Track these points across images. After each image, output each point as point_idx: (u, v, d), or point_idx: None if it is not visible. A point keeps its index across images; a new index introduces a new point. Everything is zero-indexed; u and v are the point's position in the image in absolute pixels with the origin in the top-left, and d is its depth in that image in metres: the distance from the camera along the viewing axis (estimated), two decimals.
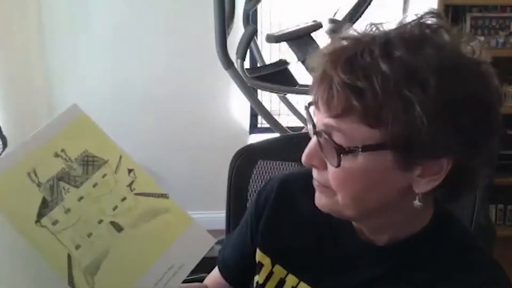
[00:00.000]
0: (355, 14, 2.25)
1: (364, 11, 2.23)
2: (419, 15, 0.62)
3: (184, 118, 2.87)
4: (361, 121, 0.59)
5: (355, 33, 0.63)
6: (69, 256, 0.66)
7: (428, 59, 0.58)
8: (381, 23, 0.63)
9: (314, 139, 0.65)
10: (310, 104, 0.66)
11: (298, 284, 0.77)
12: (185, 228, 0.75)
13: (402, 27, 0.62)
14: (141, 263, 0.71)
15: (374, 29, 0.63)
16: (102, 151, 0.72)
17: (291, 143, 1.18)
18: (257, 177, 1.13)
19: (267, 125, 2.41)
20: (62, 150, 0.69)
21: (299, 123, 2.69)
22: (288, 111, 2.76)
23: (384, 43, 0.59)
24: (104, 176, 0.71)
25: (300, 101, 2.94)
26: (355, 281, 0.72)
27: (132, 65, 2.78)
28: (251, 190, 1.13)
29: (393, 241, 0.70)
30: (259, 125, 3.04)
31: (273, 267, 0.80)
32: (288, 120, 2.96)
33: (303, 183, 0.72)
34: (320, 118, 0.64)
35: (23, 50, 2.59)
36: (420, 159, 0.61)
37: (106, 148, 0.72)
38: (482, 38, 2.47)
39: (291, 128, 2.47)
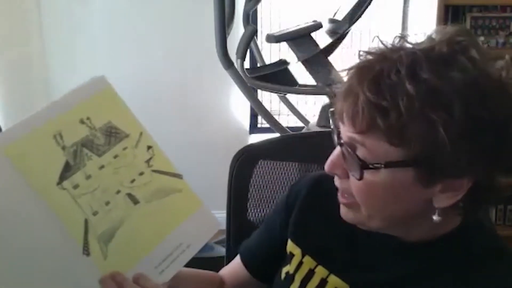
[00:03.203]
0: (355, 14, 2.25)
1: (364, 11, 2.23)
2: (448, 32, 0.63)
3: (184, 118, 2.87)
4: (385, 139, 0.60)
5: (382, 47, 0.64)
6: (86, 221, 0.67)
7: (454, 82, 0.59)
8: (407, 35, 0.64)
9: (338, 149, 0.67)
10: (334, 112, 0.67)
11: (328, 276, 0.78)
12: (195, 209, 0.77)
13: (430, 44, 0.62)
14: (153, 237, 0.73)
15: (401, 42, 0.63)
16: (125, 124, 0.73)
17: (291, 143, 1.18)
18: (258, 177, 1.13)
19: (267, 125, 2.41)
20: (88, 118, 0.70)
21: (299, 123, 2.69)
22: (288, 111, 2.76)
23: (411, 64, 0.60)
24: (124, 149, 0.72)
25: (300, 101, 2.94)
26: (384, 277, 0.73)
27: (132, 65, 2.78)
28: (252, 190, 1.13)
29: (422, 240, 0.71)
30: (259, 125, 3.05)
31: (303, 257, 0.82)
32: (288, 120, 2.96)
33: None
34: (345, 131, 0.65)
35: (23, 50, 2.59)
36: (441, 177, 0.62)
37: (129, 123, 0.74)
38: (482, 38, 2.47)
39: (291, 128, 2.47)
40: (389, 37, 0.65)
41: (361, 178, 0.63)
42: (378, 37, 0.66)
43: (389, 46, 0.64)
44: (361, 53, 0.65)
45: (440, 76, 0.59)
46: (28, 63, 2.65)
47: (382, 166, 0.62)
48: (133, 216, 0.71)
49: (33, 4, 2.64)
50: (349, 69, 0.65)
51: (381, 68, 0.61)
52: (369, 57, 0.64)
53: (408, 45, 0.64)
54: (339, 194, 0.71)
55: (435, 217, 0.65)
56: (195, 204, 0.78)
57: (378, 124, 0.60)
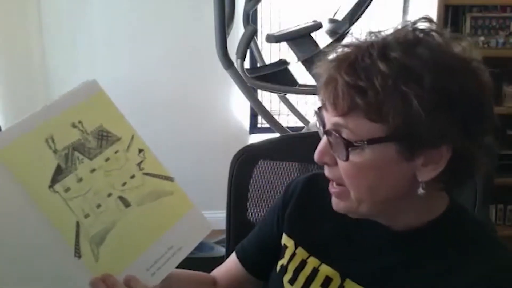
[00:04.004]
0: (355, 14, 2.25)
1: (364, 11, 2.23)
2: (412, 21, 0.69)
3: (184, 118, 2.87)
4: (365, 117, 0.65)
5: (355, 41, 0.70)
6: (77, 224, 0.68)
7: (422, 58, 0.64)
8: (379, 31, 0.69)
9: (324, 138, 0.71)
10: (319, 109, 0.72)
11: (319, 265, 0.81)
12: (186, 211, 0.78)
13: (397, 32, 0.68)
14: (144, 239, 0.73)
15: (373, 37, 0.69)
16: (116, 128, 0.74)
17: (291, 143, 1.18)
18: (258, 177, 1.13)
19: (267, 125, 2.41)
20: (79, 122, 0.71)
21: (299, 123, 2.69)
22: (288, 111, 2.76)
23: (382, 47, 0.66)
24: (116, 152, 0.73)
25: (300, 101, 2.94)
26: (373, 264, 0.76)
27: (132, 66, 2.79)
28: (252, 190, 1.13)
29: (410, 228, 0.74)
30: (259, 125, 3.05)
31: (296, 249, 0.84)
32: (288, 120, 2.96)
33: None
34: (328, 118, 0.70)
35: (23, 50, 2.60)
36: (422, 149, 0.66)
37: (120, 126, 0.75)
38: (482, 38, 2.47)
39: (291, 128, 2.48)
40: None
41: (347, 159, 0.67)
42: (352, 34, 0.73)
43: (363, 39, 0.70)
44: (338, 47, 0.71)
45: (408, 53, 0.64)
46: (28, 63, 2.65)
47: (365, 143, 0.66)
48: (125, 219, 0.71)
49: (33, 4, 2.64)
50: (328, 61, 0.70)
51: (355, 55, 0.67)
52: (346, 49, 0.69)
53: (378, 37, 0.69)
54: (330, 185, 0.74)
55: (419, 191, 0.68)
56: (186, 207, 0.78)
57: (357, 103, 0.64)
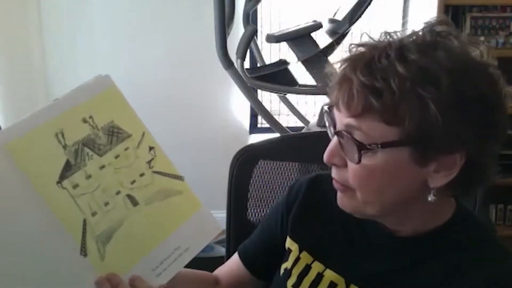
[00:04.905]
0: (355, 14, 2.25)
1: (364, 11, 2.23)
2: (430, 23, 0.67)
3: (184, 118, 2.87)
4: (380, 119, 0.63)
5: (371, 41, 0.68)
6: (84, 222, 0.67)
7: (440, 61, 0.62)
8: (395, 32, 0.68)
9: (335, 139, 0.70)
10: (330, 108, 0.70)
11: (324, 270, 0.80)
12: (194, 211, 0.77)
13: (414, 34, 0.67)
14: (151, 239, 0.72)
15: (388, 37, 0.67)
16: (127, 124, 0.73)
17: (291, 143, 1.18)
18: (258, 177, 1.13)
19: (267, 125, 2.41)
20: (90, 117, 0.70)
21: (299, 123, 2.69)
22: (288, 111, 2.76)
23: (400, 48, 0.64)
24: (126, 149, 0.72)
25: (300, 101, 2.94)
26: (378, 270, 0.75)
27: (132, 65, 2.78)
28: (252, 190, 1.13)
29: (415, 234, 0.73)
30: (259, 125, 3.05)
31: (300, 253, 0.83)
32: (288, 120, 2.96)
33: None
34: (341, 119, 0.68)
35: (23, 51, 2.59)
36: (435, 154, 0.64)
37: (131, 123, 0.74)
38: (482, 38, 2.47)
39: (291, 128, 2.47)
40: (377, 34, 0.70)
41: (359, 161, 0.65)
42: (366, 33, 0.69)
43: (377, 39, 0.68)
44: (352, 46, 0.69)
45: (427, 55, 0.63)
46: (28, 63, 2.65)
47: (379, 146, 0.64)
48: (132, 218, 0.71)
49: (33, 4, 2.64)
50: (343, 60, 0.68)
51: (371, 55, 0.65)
52: (361, 49, 0.68)
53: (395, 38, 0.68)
54: (334, 181, 0.72)
55: (430, 197, 0.67)
56: (195, 207, 0.77)
57: (372, 105, 0.63)
